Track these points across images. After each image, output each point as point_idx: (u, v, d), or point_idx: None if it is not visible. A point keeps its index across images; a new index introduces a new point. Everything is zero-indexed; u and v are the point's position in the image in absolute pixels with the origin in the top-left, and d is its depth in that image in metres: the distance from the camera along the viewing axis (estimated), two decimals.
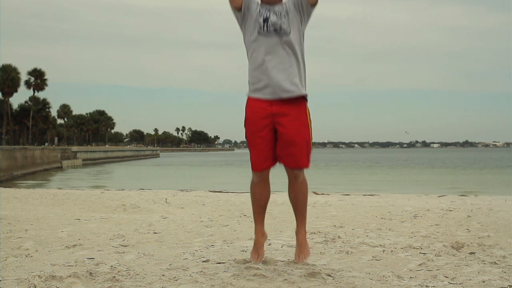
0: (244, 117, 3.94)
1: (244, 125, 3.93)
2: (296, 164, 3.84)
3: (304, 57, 3.89)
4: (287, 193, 4.11)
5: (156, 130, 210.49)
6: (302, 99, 3.84)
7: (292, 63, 3.78)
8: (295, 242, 4.17)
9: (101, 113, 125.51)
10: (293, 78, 3.76)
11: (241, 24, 3.88)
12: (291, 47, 3.76)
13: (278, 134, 3.83)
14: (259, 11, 3.79)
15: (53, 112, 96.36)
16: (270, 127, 3.83)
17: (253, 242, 5.15)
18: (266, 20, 3.74)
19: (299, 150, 3.80)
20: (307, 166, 3.86)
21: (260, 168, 3.86)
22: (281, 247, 5.04)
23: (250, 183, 3.98)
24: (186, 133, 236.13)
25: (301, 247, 3.99)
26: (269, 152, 3.85)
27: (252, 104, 3.86)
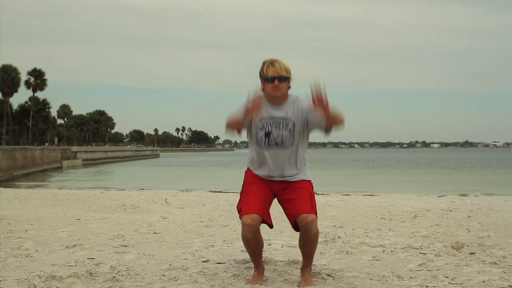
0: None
1: (243, 185, 3.81)
2: (302, 211, 3.62)
3: (306, 151, 3.83)
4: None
5: (156, 130, 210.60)
6: (307, 180, 3.79)
7: (295, 166, 3.73)
8: (300, 277, 3.86)
9: (101, 113, 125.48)
10: (296, 171, 3.73)
11: (247, 130, 3.80)
12: (294, 155, 3.72)
13: (281, 201, 3.76)
14: (261, 120, 3.68)
15: (53, 112, 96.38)
16: (271, 193, 3.75)
17: None
18: (268, 134, 3.68)
19: (304, 203, 3.64)
20: (313, 212, 3.63)
21: (255, 211, 3.58)
22: (281, 247, 5.04)
23: (242, 237, 3.66)
24: (186, 133, 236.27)
25: (306, 281, 3.75)
26: (266, 203, 3.71)
27: (253, 175, 3.79)
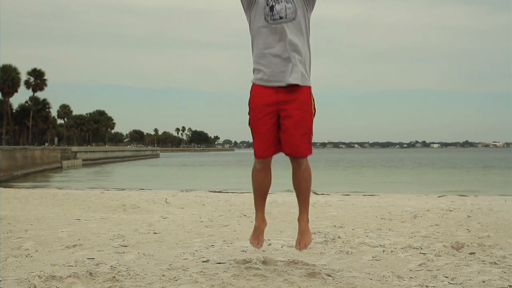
0: (248, 103, 3.93)
1: (248, 112, 3.93)
2: (299, 152, 3.84)
3: (310, 45, 3.92)
4: (291, 180, 4.07)
5: (156, 130, 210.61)
6: (308, 87, 3.87)
7: (299, 51, 3.79)
8: (298, 230, 4.15)
9: (101, 113, 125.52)
10: (299, 67, 3.78)
11: (246, 11, 3.90)
12: (297, 32, 3.78)
13: (282, 121, 3.84)
14: None
15: (53, 112, 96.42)
16: (274, 114, 3.83)
17: None
18: (272, 8, 3.76)
19: (302, 138, 3.81)
20: (309, 153, 3.87)
21: (263, 155, 3.86)
22: (281, 247, 5.04)
23: (252, 169, 3.99)
24: (186, 133, 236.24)
25: (303, 234, 3.99)
26: (273, 140, 3.86)
27: (256, 91, 3.86)
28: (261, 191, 3.96)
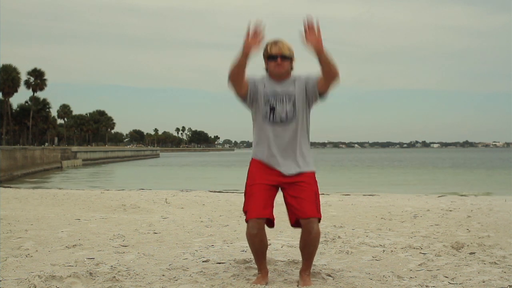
0: (247, 173, 3.82)
1: (246, 181, 3.81)
2: (308, 214, 3.66)
3: (309, 134, 3.85)
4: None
5: (156, 130, 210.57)
6: (311, 172, 3.78)
7: (299, 146, 3.74)
8: (299, 278, 3.87)
9: (101, 113, 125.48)
10: (300, 159, 3.74)
11: (249, 106, 3.83)
12: (297, 131, 3.74)
13: (285, 196, 3.76)
14: (265, 96, 3.73)
15: (53, 112, 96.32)
16: (275, 188, 3.76)
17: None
18: (272, 109, 3.72)
19: (309, 203, 3.66)
20: (318, 216, 3.69)
21: (260, 215, 3.62)
22: (281, 247, 5.04)
23: (246, 235, 3.70)
24: (186, 133, 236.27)
25: (304, 282, 3.75)
26: (270, 201, 3.73)
27: (257, 166, 3.78)
28: (262, 252, 3.76)
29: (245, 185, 3.79)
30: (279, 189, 3.77)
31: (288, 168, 3.70)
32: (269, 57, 3.68)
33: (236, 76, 3.60)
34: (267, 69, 3.74)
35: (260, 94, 3.73)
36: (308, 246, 3.68)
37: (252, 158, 3.83)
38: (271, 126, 3.72)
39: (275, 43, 3.68)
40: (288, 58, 3.68)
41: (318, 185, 3.77)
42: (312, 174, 3.77)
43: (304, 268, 3.74)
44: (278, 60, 3.65)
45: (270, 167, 3.73)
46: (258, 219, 3.61)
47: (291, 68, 3.74)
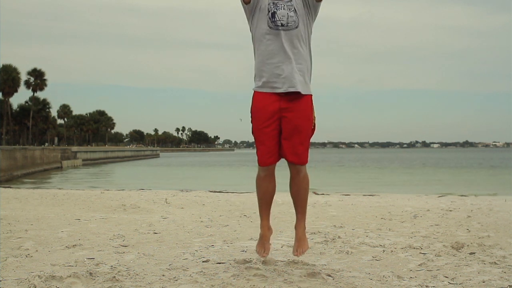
0: (250, 111, 3.94)
1: (251, 121, 3.94)
2: (300, 160, 3.88)
3: (311, 52, 3.92)
4: (289, 187, 4.10)
5: (156, 130, 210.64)
6: (309, 96, 3.88)
7: (300, 58, 3.79)
8: (294, 237, 4.17)
9: (101, 113, 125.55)
10: (301, 74, 3.79)
11: (248, 17, 3.89)
12: (299, 41, 3.78)
13: (283, 128, 3.85)
14: (268, 5, 3.80)
15: (53, 112, 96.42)
16: (276, 121, 3.85)
17: (253, 241, 5.17)
18: (274, 14, 3.76)
19: (302, 146, 3.84)
20: (307, 162, 3.91)
21: (267, 163, 3.87)
22: (281, 247, 5.04)
23: (256, 177, 3.98)
24: (186, 133, 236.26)
25: (300, 241, 4.01)
26: (275, 147, 3.88)
27: (258, 98, 3.87)
28: (266, 199, 3.95)
29: (251, 126, 3.93)
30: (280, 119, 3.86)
31: (286, 82, 3.76)
32: None
33: None
34: None
35: (263, 2, 3.80)
36: (300, 190, 3.95)
37: (254, 92, 3.91)
38: (272, 35, 3.75)
39: None
40: None
41: (313, 112, 3.90)
42: (309, 100, 3.86)
43: (299, 219, 4.00)
44: None
45: (270, 94, 3.80)
46: (270, 166, 3.90)
47: None
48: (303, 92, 3.80)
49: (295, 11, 3.76)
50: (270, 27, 3.76)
